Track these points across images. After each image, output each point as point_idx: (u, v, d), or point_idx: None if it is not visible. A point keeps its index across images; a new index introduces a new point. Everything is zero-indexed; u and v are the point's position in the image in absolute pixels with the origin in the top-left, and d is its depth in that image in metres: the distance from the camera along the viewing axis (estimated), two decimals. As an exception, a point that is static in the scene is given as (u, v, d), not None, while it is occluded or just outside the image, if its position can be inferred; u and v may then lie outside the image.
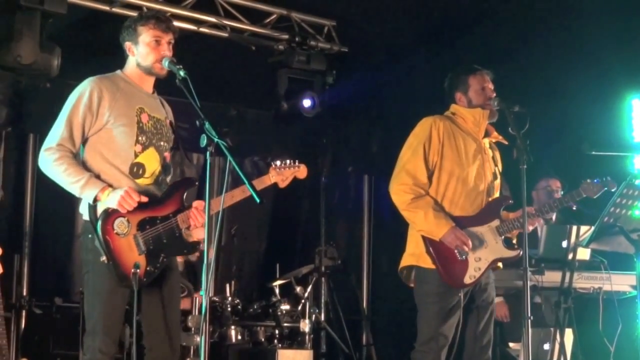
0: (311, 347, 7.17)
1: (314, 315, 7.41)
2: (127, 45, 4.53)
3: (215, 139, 4.04)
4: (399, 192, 5.03)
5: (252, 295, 8.02)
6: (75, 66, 6.80)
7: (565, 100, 7.63)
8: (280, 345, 7.01)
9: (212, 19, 7.80)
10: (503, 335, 6.56)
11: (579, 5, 7.29)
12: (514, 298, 6.32)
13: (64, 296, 7.14)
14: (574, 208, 5.80)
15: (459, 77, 5.27)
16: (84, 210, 4.39)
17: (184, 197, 4.50)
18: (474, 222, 5.06)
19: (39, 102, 7.34)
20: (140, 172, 4.44)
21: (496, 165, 5.27)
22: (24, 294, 7.28)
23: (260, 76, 8.47)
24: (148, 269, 4.35)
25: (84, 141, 4.41)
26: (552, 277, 5.95)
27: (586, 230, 5.85)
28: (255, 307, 7.17)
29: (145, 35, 4.47)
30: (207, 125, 4.05)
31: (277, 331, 7.10)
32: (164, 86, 4.64)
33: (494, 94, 5.19)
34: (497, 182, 5.25)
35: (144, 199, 4.34)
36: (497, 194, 5.24)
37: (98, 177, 4.35)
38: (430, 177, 5.06)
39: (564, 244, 5.99)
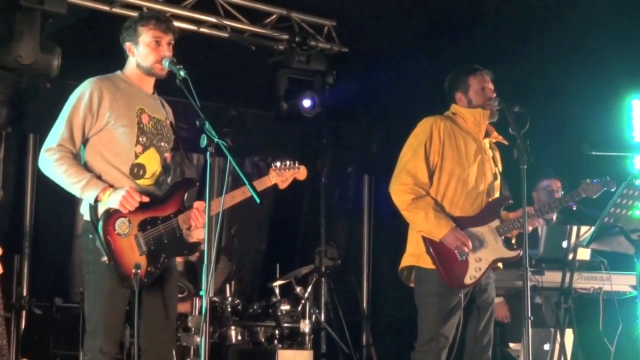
0: (311, 347, 7.17)
1: (314, 316, 7.41)
2: (127, 45, 4.53)
3: (216, 139, 4.04)
4: (400, 192, 5.03)
5: (252, 296, 8.01)
6: (75, 66, 6.79)
7: (565, 100, 7.63)
8: (280, 345, 7.01)
9: (212, 19, 7.79)
10: (503, 336, 6.56)
11: (579, 5, 7.29)
12: (514, 298, 6.32)
13: (64, 296, 7.14)
14: (574, 208, 5.80)
15: (459, 77, 5.27)
16: (84, 211, 4.39)
17: (185, 197, 4.50)
18: (474, 223, 5.06)
19: (39, 102, 7.34)
20: (141, 172, 4.44)
21: (496, 165, 5.27)
22: (24, 294, 7.28)
23: (260, 76, 8.46)
24: (149, 269, 4.35)
25: (85, 142, 4.41)
26: (552, 277, 5.95)
27: (586, 231, 5.85)
28: (256, 307, 7.16)
29: (146, 35, 4.47)
30: (207, 125, 4.05)
31: (277, 331, 7.10)
32: (164, 86, 4.64)
33: (494, 94, 5.19)
34: (497, 182, 5.25)
35: (146, 199, 4.34)
36: (497, 194, 5.24)
37: (99, 177, 4.35)
38: (430, 178, 5.06)
39: (564, 244, 5.99)
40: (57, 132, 4.35)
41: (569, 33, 7.53)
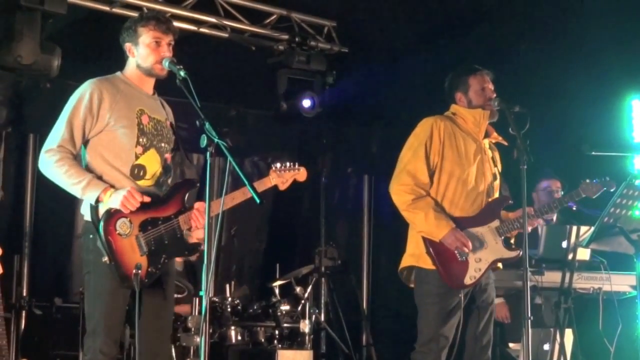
0: (311, 347, 7.17)
1: (313, 316, 7.41)
2: (127, 46, 4.53)
3: (216, 140, 4.04)
4: (400, 192, 5.02)
5: (252, 296, 8.01)
6: (75, 67, 6.81)
7: (565, 100, 7.63)
8: (280, 345, 7.01)
9: (212, 20, 7.80)
10: (503, 336, 6.56)
11: (579, 5, 7.29)
12: (514, 298, 6.32)
13: (64, 297, 7.14)
14: (574, 208, 5.81)
15: (459, 78, 5.27)
16: (85, 211, 4.39)
17: (186, 198, 4.50)
18: (474, 223, 5.06)
19: (39, 102, 7.34)
20: (141, 173, 4.44)
21: (496, 165, 5.27)
22: (24, 294, 7.28)
23: (260, 76, 8.46)
24: (149, 269, 4.35)
25: (85, 143, 4.41)
26: (552, 278, 5.95)
27: (586, 231, 5.85)
28: (255, 307, 7.16)
29: (146, 36, 4.47)
30: (207, 125, 4.05)
31: (277, 331, 7.10)
32: (164, 86, 4.64)
33: (494, 95, 5.19)
34: (497, 182, 5.25)
35: (147, 199, 4.34)
36: (496, 195, 5.24)
37: (100, 178, 4.34)
38: (430, 178, 5.06)
39: (564, 244, 5.99)
40: (58, 133, 4.35)
41: (569, 33, 7.53)
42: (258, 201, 4.09)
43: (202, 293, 3.98)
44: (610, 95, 7.52)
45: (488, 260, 5.03)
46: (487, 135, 5.24)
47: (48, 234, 7.64)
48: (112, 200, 4.29)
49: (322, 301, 8.15)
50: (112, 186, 4.33)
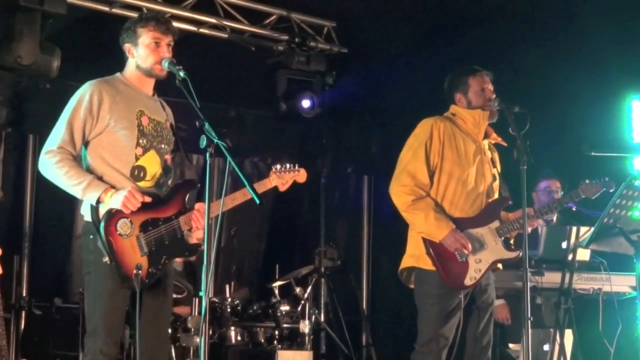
0: (311, 347, 7.17)
1: (313, 316, 7.41)
2: (127, 47, 4.52)
3: (215, 140, 4.03)
4: (400, 193, 5.02)
5: (252, 296, 8.01)
6: (75, 67, 6.81)
7: (565, 101, 7.63)
8: (280, 346, 7.01)
9: (212, 20, 7.79)
10: (503, 336, 6.56)
11: (579, 6, 7.29)
12: (514, 299, 6.32)
13: (64, 297, 7.13)
14: (574, 209, 5.81)
15: (459, 78, 5.27)
16: (85, 211, 4.39)
17: (186, 199, 4.50)
18: (474, 224, 5.06)
19: (38, 103, 7.34)
20: (142, 175, 4.44)
21: (495, 166, 5.27)
22: (24, 294, 7.28)
23: (260, 77, 8.46)
24: (150, 270, 4.34)
25: (86, 144, 4.41)
26: (551, 278, 5.95)
27: (586, 231, 5.85)
28: (255, 307, 7.16)
29: (145, 37, 4.46)
30: (206, 126, 4.05)
31: (276, 332, 7.10)
32: (164, 87, 4.64)
33: (494, 95, 5.19)
34: (496, 183, 5.25)
35: (148, 199, 4.34)
36: (496, 196, 5.23)
37: (100, 179, 4.34)
38: (430, 179, 5.06)
39: (564, 244, 6.00)
40: (58, 134, 4.35)
41: (569, 33, 7.53)
42: (258, 202, 4.09)
43: (202, 293, 3.98)
44: (610, 96, 7.52)
45: (488, 261, 5.03)
46: (486, 136, 5.24)
47: (48, 235, 7.64)
48: (113, 201, 4.29)
49: (322, 301, 8.15)
50: (113, 187, 4.33)
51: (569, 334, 6.05)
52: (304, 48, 8.16)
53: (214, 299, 6.88)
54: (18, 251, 7.33)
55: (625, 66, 7.21)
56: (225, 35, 7.93)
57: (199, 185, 4.76)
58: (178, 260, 6.81)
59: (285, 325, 7.16)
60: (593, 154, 5.88)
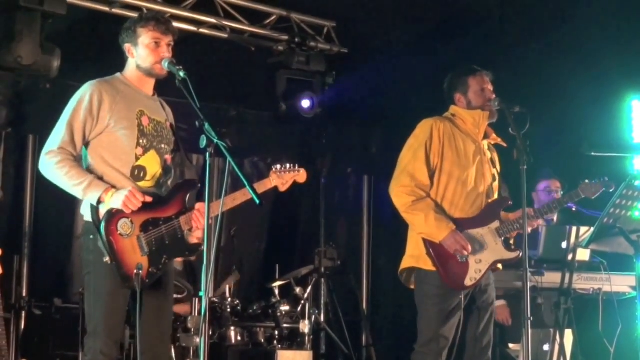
0: (311, 348, 7.17)
1: (313, 316, 7.41)
2: (127, 47, 4.52)
3: (215, 140, 4.04)
4: (400, 194, 5.02)
5: (252, 296, 8.01)
6: (75, 67, 6.81)
7: (565, 101, 7.64)
8: (279, 346, 7.01)
9: (212, 20, 7.80)
10: (503, 336, 6.56)
11: (579, 6, 7.29)
12: (514, 299, 6.32)
13: (64, 297, 7.13)
14: (574, 209, 5.81)
15: (459, 78, 5.26)
16: (85, 211, 4.39)
17: (187, 199, 4.50)
18: (474, 224, 5.05)
19: (38, 103, 7.34)
20: (142, 175, 4.44)
21: (495, 167, 5.27)
22: (24, 294, 7.27)
23: (260, 77, 8.47)
24: (150, 270, 4.34)
25: (86, 144, 4.41)
26: (551, 278, 5.96)
27: (586, 231, 5.85)
28: (255, 308, 7.16)
29: (145, 37, 4.46)
30: (206, 126, 4.05)
31: (276, 332, 7.10)
32: (164, 87, 4.64)
33: (494, 95, 5.19)
34: (496, 183, 5.25)
35: (148, 199, 4.34)
36: (496, 196, 5.23)
37: (101, 179, 4.34)
38: (430, 179, 5.05)
39: (564, 244, 6.00)
40: (58, 135, 4.35)
41: (569, 33, 7.53)
42: (258, 202, 4.09)
43: (201, 293, 3.98)
44: (610, 96, 7.52)
45: (488, 262, 5.03)
46: (486, 136, 5.24)
47: (48, 235, 7.64)
48: (114, 201, 4.29)
49: (322, 302, 8.14)
50: (114, 186, 4.33)
51: (568, 334, 6.06)
52: (304, 48, 8.16)
53: (214, 299, 6.88)
54: (18, 251, 7.33)
55: (625, 66, 7.21)
56: (225, 36, 7.93)
57: (199, 185, 4.75)
58: (178, 260, 6.81)
59: (285, 325, 7.16)
60: (593, 154, 5.89)
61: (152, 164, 4.47)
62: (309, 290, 7.51)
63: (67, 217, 7.46)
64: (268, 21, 8.12)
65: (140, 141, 4.43)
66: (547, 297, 6.26)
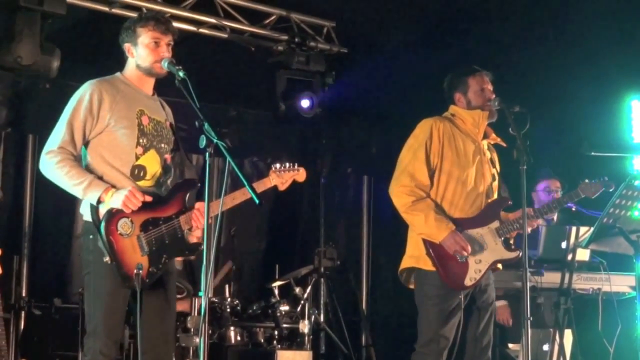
0: (310, 348, 7.16)
1: (313, 316, 7.41)
2: (127, 46, 4.52)
3: (215, 140, 4.04)
4: (400, 194, 5.02)
5: (252, 296, 8.02)
6: (75, 67, 6.81)
7: (565, 101, 7.64)
8: (279, 346, 7.01)
9: (212, 20, 7.79)
10: (503, 336, 6.56)
11: (579, 6, 7.29)
12: (514, 299, 6.32)
13: (63, 297, 7.13)
14: (573, 209, 5.81)
15: (459, 78, 5.26)
16: (84, 211, 4.38)
17: (186, 198, 4.50)
18: (474, 224, 5.05)
19: (38, 103, 7.35)
20: (142, 174, 4.44)
21: (494, 166, 5.26)
22: (23, 295, 7.28)
23: (259, 77, 8.46)
24: (150, 269, 4.34)
25: (86, 144, 4.41)
26: (551, 278, 5.96)
27: (585, 231, 5.85)
28: (255, 308, 7.16)
29: (145, 36, 4.46)
30: (206, 126, 4.05)
31: (276, 332, 7.10)
32: (164, 87, 4.64)
33: (494, 95, 5.18)
34: (496, 183, 5.25)
35: (148, 199, 4.34)
36: (495, 196, 5.23)
37: (100, 179, 4.34)
38: (430, 179, 5.05)
39: (564, 244, 6.00)
40: (58, 135, 4.35)
41: (569, 33, 7.53)
42: (257, 202, 4.09)
43: (201, 293, 3.98)
44: (610, 96, 7.52)
45: (488, 261, 5.03)
46: (485, 136, 5.24)
47: (47, 235, 7.64)
48: (114, 200, 4.29)
49: (322, 302, 8.14)
50: (113, 186, 4.33)
51: (568, 334, 6.06)
52: (303, 48, 8.16)
53: (214, 299, 6.88)
54: (18, 251, 7.33)
55: (625, 66, 7.21)
56: (225, 35, 7.93)
57: (199, 184, 4.76)
58: (178, 259, 6.81)
59: (284, 326, 7.16)
60: (593, 154, 5.89)
61: (152, 164, 4.47)
62: (308, 290, 7.52)
63: (67, 217, 7.46)
64: (268, 21, 8.11)
65: (140, 140, 4.43)
66: (546, 297, 6.26)
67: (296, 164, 4.83)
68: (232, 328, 6.86)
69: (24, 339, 7.16)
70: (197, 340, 6.04)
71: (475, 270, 4.98)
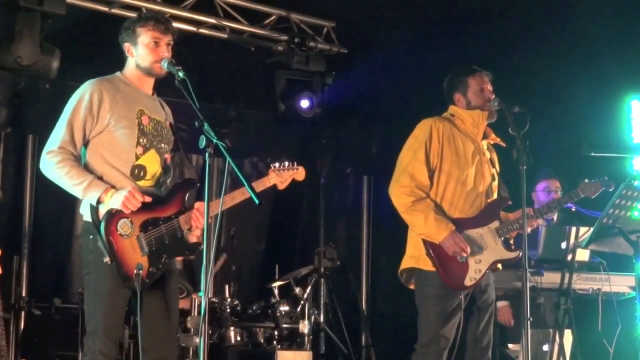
0: (310, 348, 7.16)
1: (313, 316, 7.40)
2: (126, 46, 4.52)
3: (214, 140, 4.04)
4: (400, 194, 5.01)
5: (252, 296, 8.02)
6: (75, 67, 6.81)
7: (565, 101, 7.64)
8: (279, 346, 7.01)
9: (212, 20, 7.79)
10: (502, 337, 6.56)
11: (579, 6, 7.29)
12: (514, 299, 6.32)
13: (63, 297, 7.14)
14: (573, 209, 5.81)
15: (458, 78, 5.26)
16: (84, 211, 4.38)
17: (186, 198, 4.50)
18: (474, 224, 5.05)
19: (38, 103, 7.35)
20: (142, 174, 4.44)
21: (494, 166, 5.26)
22: (23, 295, 7.28)
23: (259, 77, 8.47)
24: (150, 270, 4.34)
25: (86, 144, 4.41)
26: (551, 278, 5.96)
27: (585, 232, 5.85)
28: (255, 308, 7.16)
29: (144, 36, 4.46)
30: (206, 126, 4.05)
31: (276, 332, 7.10)
32: (163, 87, 4.64)
33: (493, 95, 5.18)
34: (496, 183, 5.25)
35: (148, 199, 4.34)
36: (495, 196, 5.23)
37: (100, 179, 4.34)
38: (430, 179, 5.05)
39: (563, 245, 6.00)
40: (58, 134, 4.35)
41: (569, 33, 7.53)
42: (257, 202, 4.09)
43: (201, 293, 3.98)
44: (610, 96, 7.53)
45: (488, 262, 5.03)
46: (485, 136, 5.24)
47: (47, 235, 7.65)
48: (114, 201, 4.29)
49: (322, 302, 8.14)
50: (113, 186, 4.33)
51: (568, 334, 6.06)
52: (303, 48, 8.16)
53: (214, 299, 6.88)
54: (18, 251, 7.33)
55: (625, 66, 7.21)
56: (225, 36, 7.93)
57: (198, 184, 4.76)
58: (177, 259, 6.81)
59: (284, 326, 7.16)
60: (592, 154, 5.89)
61: (152, 163, 4.47)
62: (308, 290, 7.51)
63: (67, 217, 7.46)
64: (267, 21, 8.11)
65: (141, 140, 4.43)
66: (546, 298, 6.26)
67: (295, 163, 4.83)
68: (232, 328, 6.86)
69: (24, 339, 7.16)
70: (197, 340, 6.04)
71: (475, 271, 4.98)
